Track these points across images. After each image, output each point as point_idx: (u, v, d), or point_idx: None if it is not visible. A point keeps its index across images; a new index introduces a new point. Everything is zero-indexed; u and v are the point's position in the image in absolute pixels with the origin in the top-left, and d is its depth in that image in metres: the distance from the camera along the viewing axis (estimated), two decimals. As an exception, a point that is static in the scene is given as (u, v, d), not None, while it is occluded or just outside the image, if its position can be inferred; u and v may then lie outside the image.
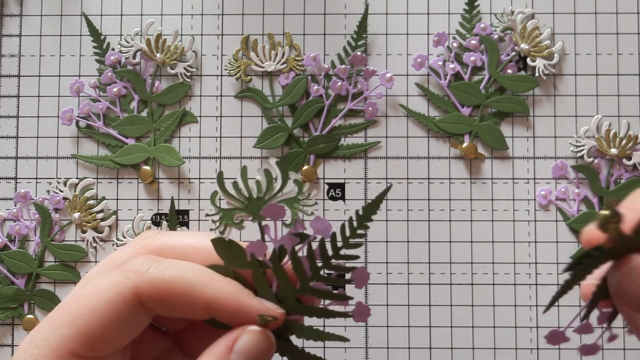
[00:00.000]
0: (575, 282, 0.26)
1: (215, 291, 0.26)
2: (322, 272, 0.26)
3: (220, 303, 0.25)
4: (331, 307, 0.27)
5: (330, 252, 0.26)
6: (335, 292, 0.26)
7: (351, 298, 0.27)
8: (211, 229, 0.28)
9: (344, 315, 0.27)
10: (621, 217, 0.23)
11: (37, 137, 0.50)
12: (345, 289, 0.27)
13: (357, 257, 0.26)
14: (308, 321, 0.27)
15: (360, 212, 0.26)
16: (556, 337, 0.28)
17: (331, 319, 0.27)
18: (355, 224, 0.26)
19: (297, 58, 0.50)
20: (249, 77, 0.50)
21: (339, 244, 0.26)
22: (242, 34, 0.50)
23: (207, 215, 0.27)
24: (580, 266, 0.26)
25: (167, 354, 0.30)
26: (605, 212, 0.23)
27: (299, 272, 0.26)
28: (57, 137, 0.50)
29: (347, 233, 0.26)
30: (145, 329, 0.28)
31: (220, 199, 0.27)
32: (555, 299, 0.27)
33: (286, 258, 0.26)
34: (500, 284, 0.48)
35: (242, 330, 0.26)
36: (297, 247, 0.26)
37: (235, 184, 0.27)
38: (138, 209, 0.50)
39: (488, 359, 0.48)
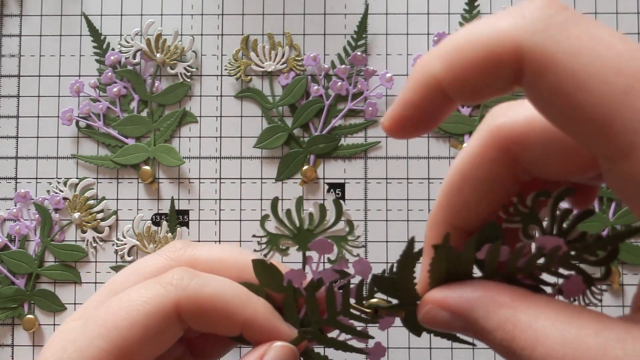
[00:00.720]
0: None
1: (251, 312, 0.26)
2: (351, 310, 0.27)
3: (254, 324, 0.26)
4: (350, 342, 0.28)
5: (365, 294, 0.27)
6: (358, 329, 0.28)
7: (372, 337, 0.28)
8: (255, 250, 0.28)
9: (361, 351, 0.28)
10: (376, 306, 0.26)
11: (37, 137, 0.50)
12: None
13: (390, 302, 0.27)
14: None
15: (395, 265, 0.27)
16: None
17: (347, 352, 0.28)
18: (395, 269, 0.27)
19: (297, 58, 0.50)
20: (249, 77, 0.50)
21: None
22: (242, 34, 0.50)
23: (253, 236, 0.28)
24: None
25: (181, 358, 0.30)
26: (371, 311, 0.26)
27: (330, 305, 0.27)
28: (57, 137, 0.50)
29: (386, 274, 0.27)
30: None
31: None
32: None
33: (321, 290, 0.27)
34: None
35: (269, 345, 0.26)
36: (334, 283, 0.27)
37: (288, 213, 0.27)
38: (138, 209, 0.50)
39: (488, 359, 0.48)
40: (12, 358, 0.49)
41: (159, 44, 0.50)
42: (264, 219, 0.27)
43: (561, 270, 0.23)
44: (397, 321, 0.28)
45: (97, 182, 0.50)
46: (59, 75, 0.51)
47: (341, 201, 0.28)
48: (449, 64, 0.20)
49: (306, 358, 0.28)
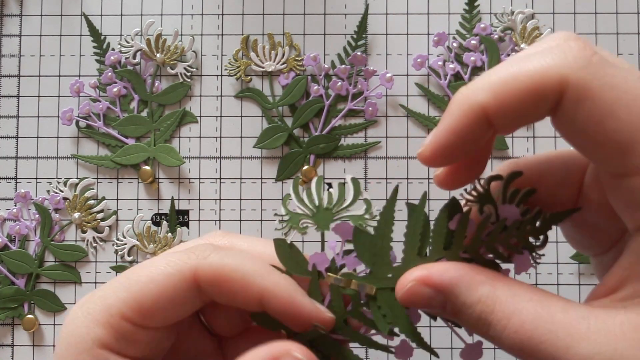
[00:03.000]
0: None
1: (270, 284, 0.26)
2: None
3: (274, 295, 0.26)
4: (375, 337, 0.27)
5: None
6: None
7: (398, 335, 0.27)
8: (276, 229, 0.28)
9: (386, 349, 0.27)
10: (350, 275, 0.27)
11: (37, 137, 0.50)
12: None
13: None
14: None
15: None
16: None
17: (369, 349, 0.28)
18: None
19: (297, 58, 0.50)
20: (249, 77, 0.50)
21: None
22: (242, 34, 0.50)
23: (275, 214, 0.28)
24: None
25: (208, 357, 0.30)
26: (337, 279, 0.26)
27: (354, 295, 0.27)
28: (57, 137, 0.50)
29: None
30: (194, 327, 0.29)
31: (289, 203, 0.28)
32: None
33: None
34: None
35: (284, 352, 0.25)
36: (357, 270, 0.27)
37: (308, 192, 0.28)
38: (138, 209, 0.50)
39: (488, 359, 0.48)
40: (12, 358, 0.49)
41: (159, 44, 0.50)
42: (285, 198, 0.28)
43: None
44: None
45: (97, 182, 0.50)
46: (59, 75, 0.51)
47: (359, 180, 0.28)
48: (496, 93, 0.23)
49: (329, 348, 0.27)
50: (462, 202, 0.27)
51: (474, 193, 0.26)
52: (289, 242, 0.28)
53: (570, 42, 0.23)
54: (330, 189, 0.28)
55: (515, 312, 0.22)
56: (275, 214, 0.29)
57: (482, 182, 0.26)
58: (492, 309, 0.23)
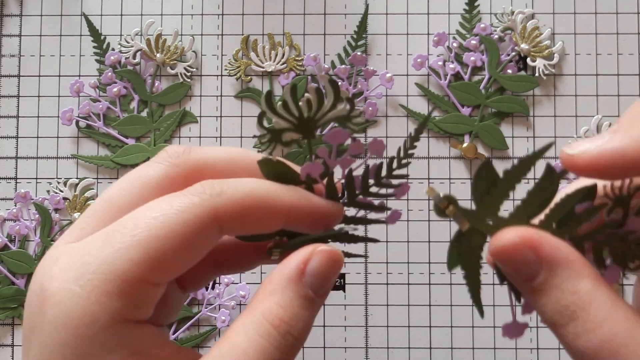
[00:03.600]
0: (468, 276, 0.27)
1: (292, 198, 0.25)
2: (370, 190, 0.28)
3: (298, 208, 0.25)
4: (370, 217, 0.28)
5: (383, 173, 0.28)
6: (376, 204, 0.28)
7: (389, 209, 0.28)
8: (259, 151, 0.27)
9: (379, 222, 0.28)
10: (451, 199, 0.25)
11: (37, 137, 0.50)
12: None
13: (406, 175, 0.28)
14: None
15: (412, 134, 0.27)
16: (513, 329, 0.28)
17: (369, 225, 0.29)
18: (408, 144, 0.27)
19: (297, 58, 0.50)
20: (249, 77, 0.50)
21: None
22: (242, 34, 0.50)
23: (254, 136, 0.27)
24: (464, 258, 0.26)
25: (180, 302, 0.29)
26: (437, 196, 0.25)
27: (349, 189, 0.27)
28: (57, 137, 0.50)
29: (401, 154, 0.28)
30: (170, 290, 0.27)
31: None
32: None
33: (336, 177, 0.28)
34: (500, 284, 0.48)
35: (312, 250, 0.25)
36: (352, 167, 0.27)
37: (284, 104, 0.26)
38: (138, 209, 0.50)
39: (488, 359, 0.48)
40: (12, 358, 0.49)
41: (159, 44, 0.50)
42: (260, 116, 0.26)
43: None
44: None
45: (97, 182, 0.50)
46: (59, 75, 0.51)
47: (335, 79, 0.27)
48: None
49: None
50: (600, 190, 0.25)
51: (616, 192, 0.25)
52: (275, 159, 0.26)
53: None
54: (307, 94, 0.26)
55: (609, 321, 0.22)
56: (255, 136, 0.27)
57: (631, 185, 0.25)
58: (586, 307, 0.22)
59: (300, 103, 0.26)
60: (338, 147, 0.27)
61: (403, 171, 0.28)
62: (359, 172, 0.28)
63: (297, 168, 0.27)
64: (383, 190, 0.28)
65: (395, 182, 0.28)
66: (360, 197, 0.28)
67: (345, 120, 0.27)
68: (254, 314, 0.24)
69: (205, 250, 0.25)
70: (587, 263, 0.23)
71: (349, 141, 0.26)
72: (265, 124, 0.26)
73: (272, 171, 0.27)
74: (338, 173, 0.27)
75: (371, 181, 0.28)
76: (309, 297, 0.25)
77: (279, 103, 0.26)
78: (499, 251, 0.24)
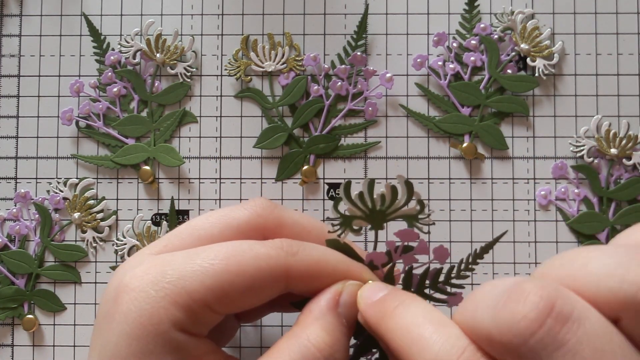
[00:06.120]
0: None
1: (358, 274, 0.28)
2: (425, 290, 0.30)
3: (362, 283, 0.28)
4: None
5: (441, 278, 0.30)
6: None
7: (446, 302, 0.31)
8: (329, 231, 0.29)
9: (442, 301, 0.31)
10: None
11: (37, 137, 0.50)
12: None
13: (462, 286, 0.30)
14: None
15: (477, 251, 0.30)
16: None
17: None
18: (471, 259, 0.30)
19: (297, 58, 0.50)
20: (249, 77, 0.50)
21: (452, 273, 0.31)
22: (242, 34, 0.50)
23: (327, 219, 0.30)
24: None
25: (233, 331, 0.33)
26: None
27: (406, 284, 0.30)
28: (57, 137, 0.50)
29: (462, 266, 0.30)
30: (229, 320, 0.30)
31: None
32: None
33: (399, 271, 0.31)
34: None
35: (342, 284, 0.28)
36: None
37: (360, 195, 0.28)
38: (138, 209, 0.50)
39: None
40: (12, 358, 0.49)
41: (159, 44, 0.50)
42: (336, 201, 0.28)
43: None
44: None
45: (97, 182, 0.50)
46: (59, 75, 0.51)
47: (411, 181, 0.30)
48: None
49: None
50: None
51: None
52: (342, 242, 0.29)
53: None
54: (382, 190, 0.28)
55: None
56: (327, 218, 0.30)
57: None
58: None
59: (375, 197, 0.28)
60: (404, 244, 0.29)
61: (461, 281, 0.30)
62: (418, 270, 0.30)
63: (361, 253, 0.30)
64: (437, 295, 0.30)
65: (450, 289, 0.30)
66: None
67: (413, 219, 0.29)
68: (299, 337, 0.26)
69: (268, 298, 0.27)
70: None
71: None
72: (340, 209, 0.29)
73: (339, 250, 0.29)
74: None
75: (427, 282, 0.30)
76: (345, 325, 0.27)
77: (356, 194, 0.28)
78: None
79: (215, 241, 0.28)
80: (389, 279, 0.30)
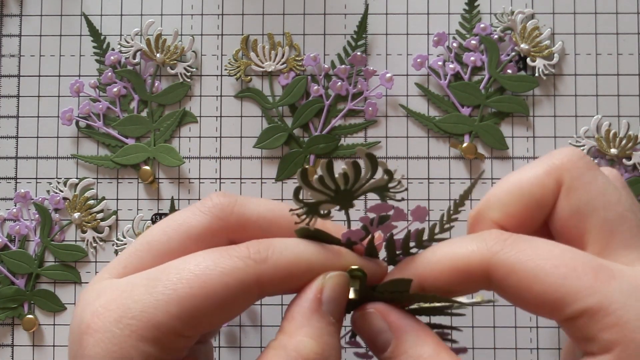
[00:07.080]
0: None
1: (335, 263, 0.27)
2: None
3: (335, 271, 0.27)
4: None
5: (425, 237, 0.29)
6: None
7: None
8: (296, 222, 0.27)
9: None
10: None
11: (37, 137, 0.50)
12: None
13: (448, 238, 0.29)
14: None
15: (457, 200, 0.29)
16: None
17: None
18: (452, 209, 0.29)
19: (297, 58, 0.50)
20: (249, 77, 0.50)
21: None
22: (242, 34, 0.50)
23: (290, 210, 0.27)
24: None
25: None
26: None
27: (390, 250, 0.29)
28: (57, 137, 0.50)
29: (445, 218, 0.29)
30: None
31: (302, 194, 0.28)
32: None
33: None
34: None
35: (322, 278, 0.26)
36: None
37: (321, 178, 0.27)
38: (138, 209, 0.50)
39: (488, 359, 0.48)
40: (12, 358, 0.49)
41: (159, 44, 0.50)
42: (297, 191, 0.27)
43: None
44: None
45: (97, 182, 0.50)
46: (59, 75, 0.51)
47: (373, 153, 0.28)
48: (427, 276, 0.27)
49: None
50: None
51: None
52: (312, 229, 0.27)
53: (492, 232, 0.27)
54: (343, 167, 0.27)
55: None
56: (291, 210, 0.28)
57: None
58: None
59: (336, 176, 0.27)
60: (380, 215, 0.28)
61: (445, 235, 0.29)
62: (399, 236, 0.29)
63: (337, 230, 0.28)
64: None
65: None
66: (401, 257, 0.29)
67: (384, 189, 0.28)
68: (287, 351, 0.25)
69: (242, 311, 0.26)
70: (428, 329, 0.27)
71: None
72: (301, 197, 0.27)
73: (310, 237, 0.28)
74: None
75: (412, 243, 0.29)
76: (332, 323, 0.26)
77: (315, 177, 0.27)
78: (358, 317, 0.27)
79: (176, 256, 0.26)
80: (371, 251, 0.29)
